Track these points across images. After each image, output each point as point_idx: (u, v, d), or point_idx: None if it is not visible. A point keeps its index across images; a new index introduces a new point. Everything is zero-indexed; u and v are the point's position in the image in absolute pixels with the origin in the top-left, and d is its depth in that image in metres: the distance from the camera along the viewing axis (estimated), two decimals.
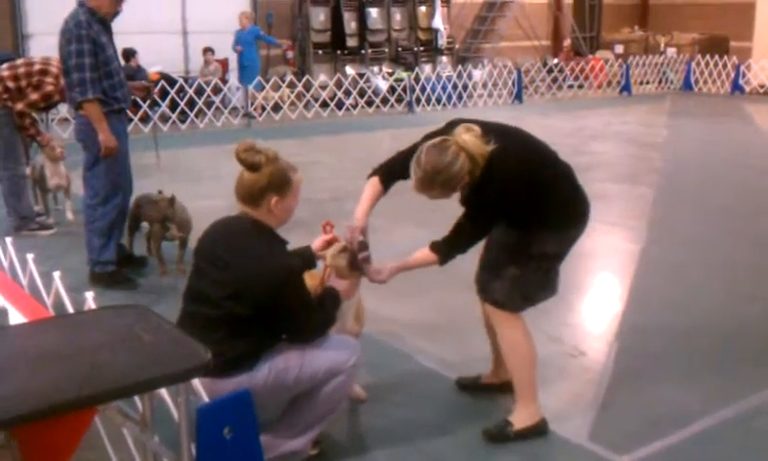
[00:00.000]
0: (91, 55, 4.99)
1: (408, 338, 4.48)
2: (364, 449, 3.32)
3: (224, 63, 15.48)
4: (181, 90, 13.62)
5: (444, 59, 19.00)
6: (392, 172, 3.48)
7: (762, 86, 18.51)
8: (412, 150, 3.29)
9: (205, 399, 2.45)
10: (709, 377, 4.06)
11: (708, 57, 19.61)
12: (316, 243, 3.40)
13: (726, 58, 19.59)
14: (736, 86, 18.98)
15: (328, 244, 3.35)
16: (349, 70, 16.57)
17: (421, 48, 18.59)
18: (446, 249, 3.27)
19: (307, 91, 15.06)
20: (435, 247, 3.28)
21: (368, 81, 16.06)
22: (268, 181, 2.96)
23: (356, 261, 3.23)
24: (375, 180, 3.49)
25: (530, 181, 3.24)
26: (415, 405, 3.75)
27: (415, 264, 3.35)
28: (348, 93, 15.59)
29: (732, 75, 19.13)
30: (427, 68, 17.92)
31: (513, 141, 3.30)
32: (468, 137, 3.13)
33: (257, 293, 2.85)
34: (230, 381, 2.80)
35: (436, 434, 3.47)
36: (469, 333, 4.60)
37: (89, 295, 3.09)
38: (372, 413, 3.67)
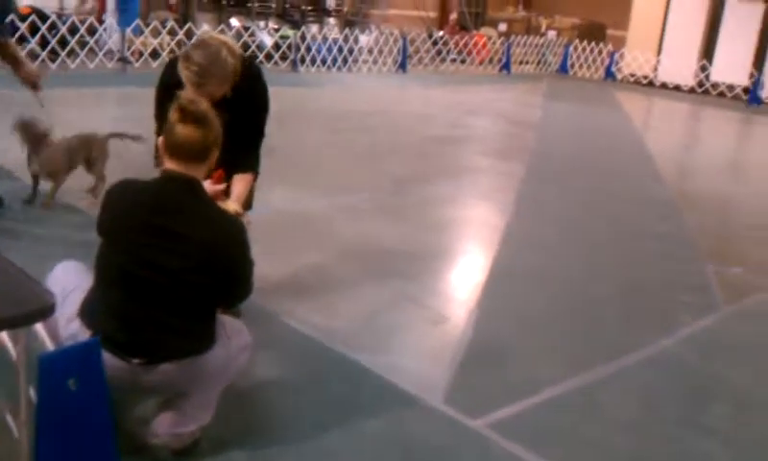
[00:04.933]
0: None
1: (276, 298, 4.44)
2: (217, 409, 3.26)
3: (101, 3, 14.76)
4: (54, 27, 12.89)
5: (332, 20, 18.88)
6: None
7: (633, 76, 19.39)
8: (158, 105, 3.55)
9: (50, 347, 2.34)
10: (563, 348, 4.25)
11: (585, 42, 20.32)
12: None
13: (602, 45, 20.38)
14: (609, 73, 19.80)
15: (222, 194, 3.25)
16: (234, 22, 16.16)
17: (309, 7, 18.37)
18: (257, 163, 3.75)
19: (189, 40, 14.57)
20: (249, 168, 3.68)
21: (252, 35, 15.71)
22: (215, 135, 2.69)
23: None
24: None
25: None
26: (276, 365, 3.73)
27: (245, 194, 3.64)
28: None
29: (606, 62, 19.93)
30: (314, 28, 17.72)
31: None
32: (224, 37, 3.45)
33: (223, 259, 2.65)
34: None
35: (294, 395, 3.46)
36: (338, 295, 4.62)
37: None
38: None
